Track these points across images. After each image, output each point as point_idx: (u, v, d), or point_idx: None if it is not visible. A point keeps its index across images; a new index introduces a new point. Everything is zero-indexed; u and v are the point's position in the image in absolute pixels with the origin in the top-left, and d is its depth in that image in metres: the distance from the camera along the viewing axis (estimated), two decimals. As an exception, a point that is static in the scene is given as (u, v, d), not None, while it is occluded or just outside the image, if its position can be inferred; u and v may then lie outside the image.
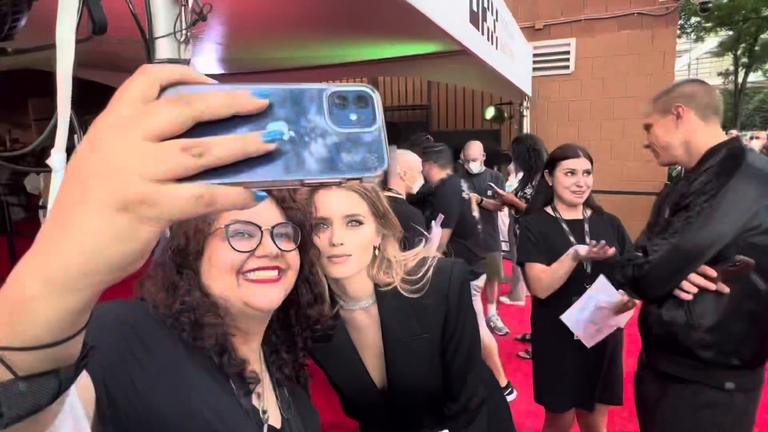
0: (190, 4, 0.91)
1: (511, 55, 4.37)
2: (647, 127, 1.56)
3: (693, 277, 1.30)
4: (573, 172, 1.95)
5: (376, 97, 0.33)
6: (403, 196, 2.61)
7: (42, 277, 0.28)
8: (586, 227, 1.98)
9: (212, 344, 0.68)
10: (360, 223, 0.98)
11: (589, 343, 1.88)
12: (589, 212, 2.03)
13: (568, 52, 6.39)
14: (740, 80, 18.16)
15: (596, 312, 1.82)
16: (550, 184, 2.03)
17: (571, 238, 1.93)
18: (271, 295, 0.71)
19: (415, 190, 2.74)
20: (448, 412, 1.15)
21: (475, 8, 2.90)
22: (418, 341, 1.07)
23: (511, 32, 4.33)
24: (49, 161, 0.77)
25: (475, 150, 3.98)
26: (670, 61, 6.05)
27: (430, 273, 1.04)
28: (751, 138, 7.52)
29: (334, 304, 1.08)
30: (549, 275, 1.87)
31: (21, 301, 0.28)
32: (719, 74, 21.98)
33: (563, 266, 1.83)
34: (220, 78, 4.98)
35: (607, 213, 2.07)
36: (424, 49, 4.39)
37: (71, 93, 0.75)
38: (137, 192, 0.27)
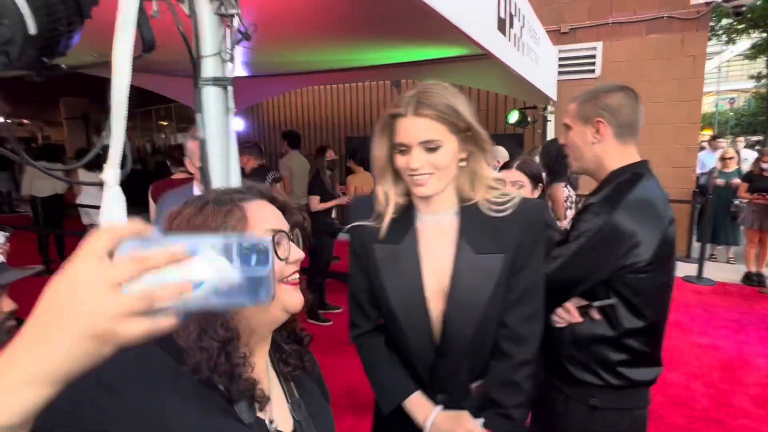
0: (235, 25, 0.94)
1: (536, 60, 4.34)
2: (567, 127, 1.49)
3: (559, 310, 1.37)
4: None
5: (271, 246, 0.46)
6: None
7: (21, 376, 0.39)
8: None
9: (241, 393, 0.69)
10: (437, 147, 1.02)
11: None
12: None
13: (594, 56, 6.30)
14: (773, 84, 17.58)
15: None
16: None
17: None
18: (300, 296, 0.75)
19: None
20: (517, 356, 1.12)
21: (502, 15, 2.89)
22: (491, 259, 1.07)
23: (537, 37, 4.30)
24: (102, 176, 0.81)
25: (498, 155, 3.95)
26: (700, 65, 5.92)
27: (517, 200, 1.08)
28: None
29: (412, 214, 1.13)
30: None
31: None
32: (750, 77, 21.34)
33: None
34: (246, 80, 5.06)
35: None
36: (447, 53, 4.39)
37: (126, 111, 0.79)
38: (105, 328, 0.39)
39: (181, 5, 0.91)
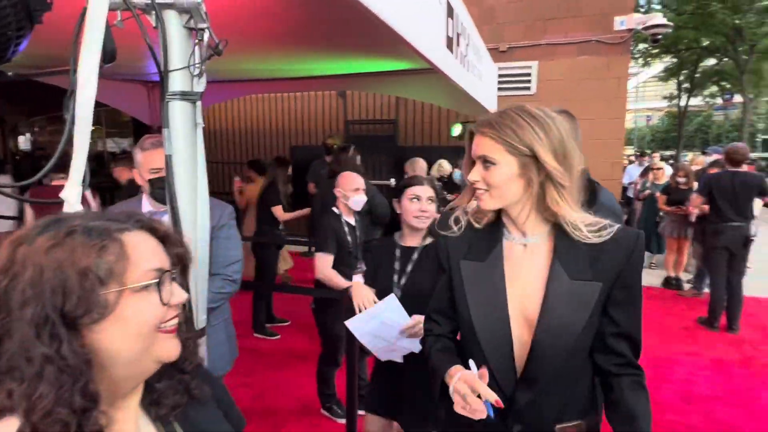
0: (205, 40, 0.92)
1: (480, 76, 4.52)
2: None
3: None
4: (417, 198, 1.97)
5: None
6: (343, 214, 2.92)
7: None
8: (415, 255, 1.98)
9: None
10: (492, 163, 1.04)
11: (382, 357, 1.97)
12: (428, 240, 2.01)
13: (529, 74, 6.66)
14: (683, 104, 19.43)
15: (382, 327, 1.85)
16: (398, 212, 2.05)
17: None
18: (177, 344, 0.68)
19: (354, 206, 2.94)
20: (642, 373, 1.10)
21: (450, 34, 3.00)
22: (588, 287, 1.03)
23: (480, 54, 4.48)
24: (63, 194, 0.76)
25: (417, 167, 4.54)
26: (623, 86, 6.42)
27: (616, 227, 1.04)
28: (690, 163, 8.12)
29: (499, 231, 1.12)
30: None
31: None
32: (664, 97, 23.39)
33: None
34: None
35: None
36: (394, 66, 4.47)
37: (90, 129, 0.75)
38: None
39: (146, 16, 0.87)
